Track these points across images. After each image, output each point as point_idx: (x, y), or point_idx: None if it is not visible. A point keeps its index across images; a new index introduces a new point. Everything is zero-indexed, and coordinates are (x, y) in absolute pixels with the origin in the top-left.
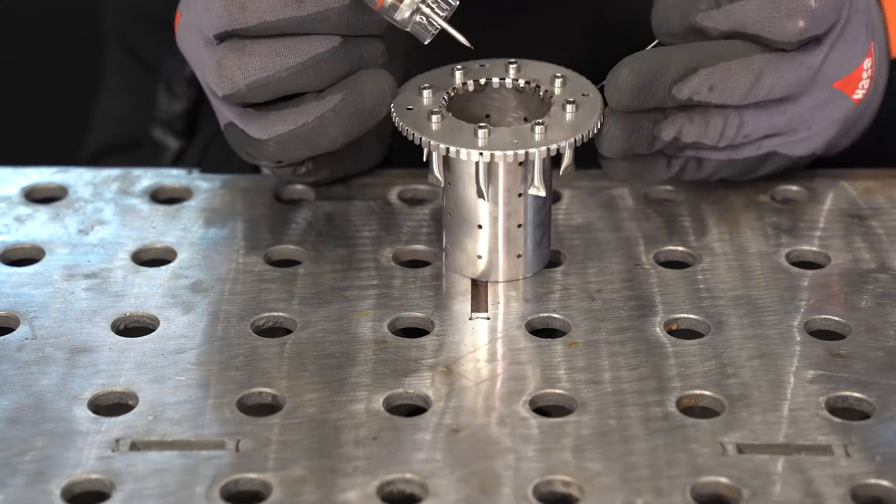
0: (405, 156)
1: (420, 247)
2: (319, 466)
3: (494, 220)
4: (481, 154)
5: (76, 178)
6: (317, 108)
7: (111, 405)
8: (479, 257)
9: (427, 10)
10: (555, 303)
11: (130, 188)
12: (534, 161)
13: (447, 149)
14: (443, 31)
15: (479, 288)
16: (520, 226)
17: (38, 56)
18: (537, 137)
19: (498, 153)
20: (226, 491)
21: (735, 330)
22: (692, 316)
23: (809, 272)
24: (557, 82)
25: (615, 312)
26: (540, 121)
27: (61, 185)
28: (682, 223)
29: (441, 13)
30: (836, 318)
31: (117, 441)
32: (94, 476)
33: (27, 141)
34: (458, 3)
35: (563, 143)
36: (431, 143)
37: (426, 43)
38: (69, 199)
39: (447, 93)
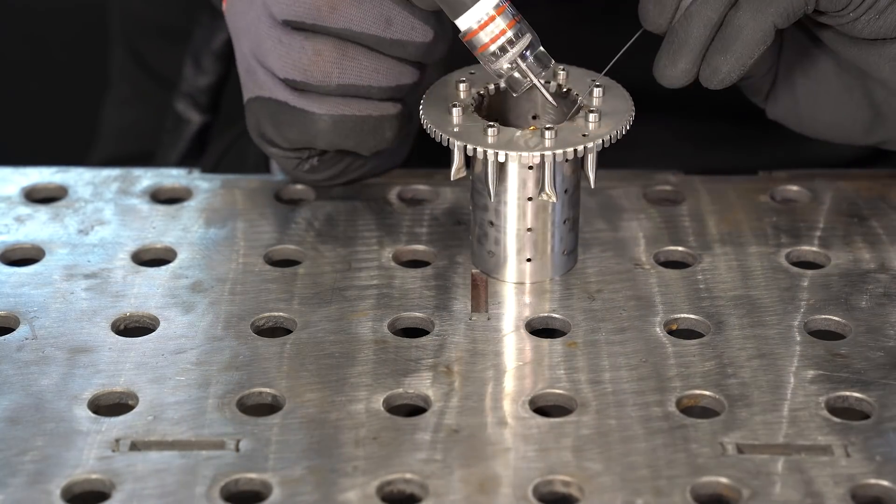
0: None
1: (420, 247)
2: (319, 466)
3: (545, 220)
4: (551, 154)
5: (76, 178)
6: (380, 107)
7: (111, 405)
8: (529, 260)
9: (524, 67)
10: (555, 303)
11: (130, 188)
12: (587, 157)
13: (505, 154)
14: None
15: (479, 288)
16: (565, 222)
17: (41, 56)
18: (591, 128)
19: (559, 151)
20: (226, 491)
21: (735, 330)
22: (692, 316)
23: (809, 272)
24: (561, 73)
25: (615, 312)
26: (596, 109)
27: (61, 185)
28: (682, 223)
29: (536, 71)
30: (836, 318)
31: (117, 441)
32: (94, 476)
33: (29, 143)
34: (553, 62)
35: (612, 133)
36: (503, 153)
37: (515, 95)
38: (69, 199)
39: (479, 94)
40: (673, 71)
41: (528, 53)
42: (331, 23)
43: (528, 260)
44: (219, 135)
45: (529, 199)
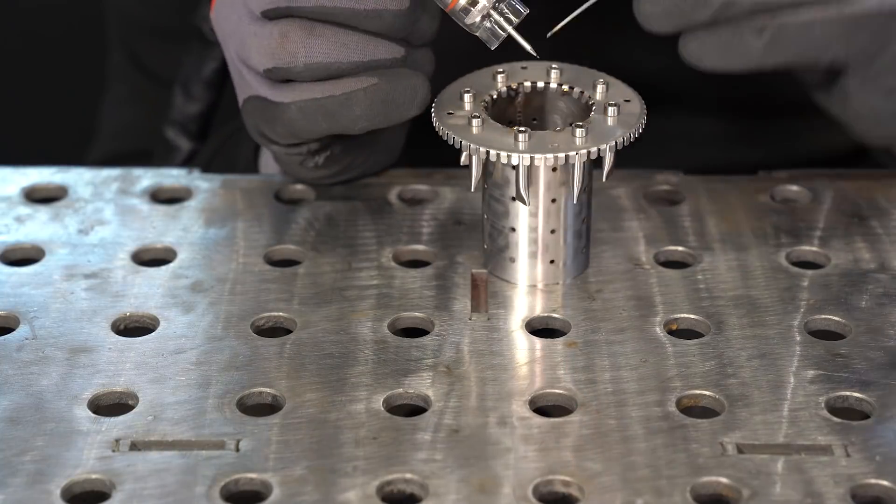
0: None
1: (420, 247)
2: (319, 466)
3: (567, 220)
4: (586, 153)
5: (76, 178)
6: (348, 85)
7: (111, 405)
8: (552, 262)
9: (498, 17)
10: (555, 303)
11: (130, 188)
12: (607, 153)
13: (531, 158)
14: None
15: (478, 288)
16: (583, 221)
17: (41, 55)
18: (610, 124)
19: (592, 149)
20: (226, 491)
21: (735, 330)
22: (692, 316)
23: (809, 272)
24: (599, 87)
25: (615, 312)
26: (614, 103)
27: (61, 185)
28: (682, 223)
29: (510, 21)
30: (836, 318)
31: (117, 441)
32: (94, 476)
33: (29, 143)
34: (528, 11)
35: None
36: (529, 156)
37: (492, 49)
38: (69, 199)
39: (488, 97)
40: (654, 8)
41: (500, 5)
42: (303, 3)
43: (552, 262)
44: (216, 130)
45: (553, 200)
